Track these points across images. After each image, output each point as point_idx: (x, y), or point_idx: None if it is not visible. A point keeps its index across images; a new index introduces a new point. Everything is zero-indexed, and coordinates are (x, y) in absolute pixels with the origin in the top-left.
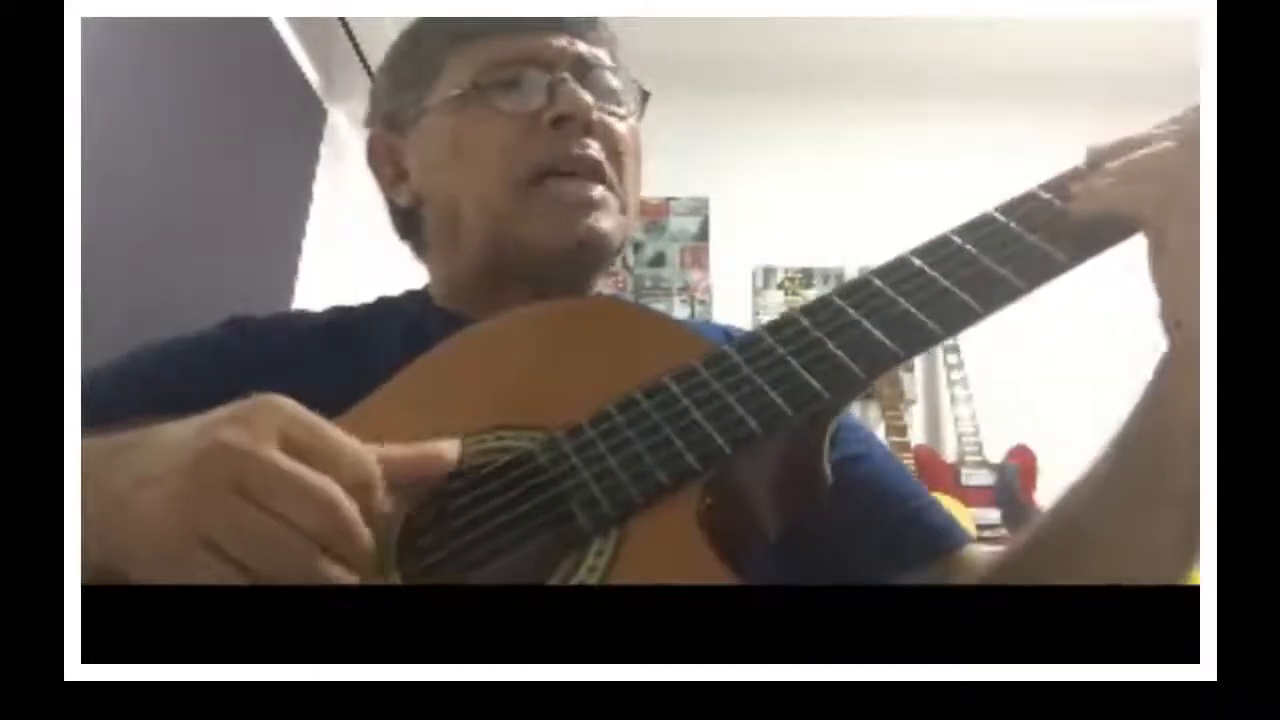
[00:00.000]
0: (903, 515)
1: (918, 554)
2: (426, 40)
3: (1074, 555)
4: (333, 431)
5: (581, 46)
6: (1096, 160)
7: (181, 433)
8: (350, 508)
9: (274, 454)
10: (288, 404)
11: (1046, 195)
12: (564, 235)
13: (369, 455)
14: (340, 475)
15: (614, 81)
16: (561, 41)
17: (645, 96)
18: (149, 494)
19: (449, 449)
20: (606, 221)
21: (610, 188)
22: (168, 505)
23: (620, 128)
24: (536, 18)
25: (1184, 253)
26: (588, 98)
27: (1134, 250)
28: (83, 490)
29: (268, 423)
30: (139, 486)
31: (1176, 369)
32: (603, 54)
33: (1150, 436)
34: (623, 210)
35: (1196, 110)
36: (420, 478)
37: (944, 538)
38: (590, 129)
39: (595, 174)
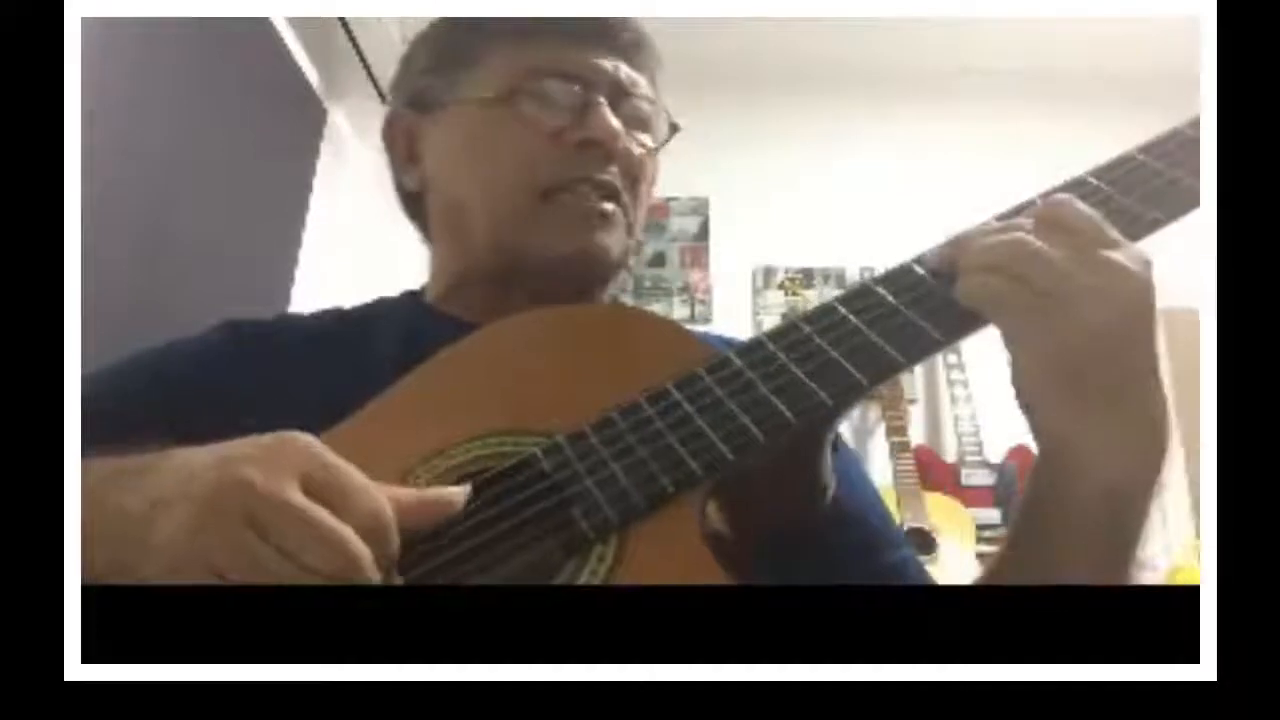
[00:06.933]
0: (888, 566)
1: None
2: (471, 26)
3: None
4: (352, 474)
5: (624, 71)
6: (957, 244)
7: (199, 461)
8: (363, 552)
9: (292, 493)
10: (310, 443)
11: (922, 273)
12: (567, 244)
13: (385, 501)
14: (356, 519)
15: (646, 109)
16: (606, 63)
17: (674, 129)
18: (162, 517)
19: (458, 495)
20: (611, 238)
21: (622, 208)
22: (179, 531)
23: (642, 156)
24: (587, 30)
25: (1025, 342)
26: (617, 125)
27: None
28: (93, 510)
29: (289, 461)
30: (152, 507)
31: (1041, 463)
32: (643, 80)
33: (1037, 536)
34: (629, 232)
35: (1046, 198)
36: (429, 523)
37: None
38: (614, 156)
39: (610, 195)
